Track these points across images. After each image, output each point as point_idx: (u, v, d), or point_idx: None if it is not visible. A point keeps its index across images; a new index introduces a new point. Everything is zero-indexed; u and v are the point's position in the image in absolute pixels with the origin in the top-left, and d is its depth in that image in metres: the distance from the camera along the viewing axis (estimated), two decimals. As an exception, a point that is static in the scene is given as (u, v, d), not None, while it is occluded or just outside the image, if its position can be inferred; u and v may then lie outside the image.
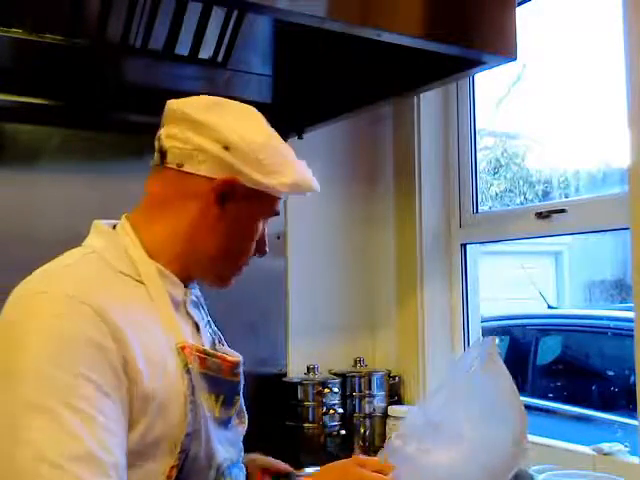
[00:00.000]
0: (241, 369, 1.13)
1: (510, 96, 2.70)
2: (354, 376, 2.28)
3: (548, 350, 3.44)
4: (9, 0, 1.73)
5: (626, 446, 1.75)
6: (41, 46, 1.79)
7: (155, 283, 1.02)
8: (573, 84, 2.36)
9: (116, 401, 0.87)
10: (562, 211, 1.95)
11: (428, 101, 2.37)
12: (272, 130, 1.12)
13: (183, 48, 1.95)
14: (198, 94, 2.07)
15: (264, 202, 1.07)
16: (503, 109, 2.78)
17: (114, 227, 1.11)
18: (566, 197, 2.62)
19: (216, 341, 1.20)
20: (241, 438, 1.16)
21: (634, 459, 1.71)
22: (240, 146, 1.02)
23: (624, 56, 1.68)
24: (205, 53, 1.99)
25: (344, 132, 2.40)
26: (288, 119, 2.21)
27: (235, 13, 1.94)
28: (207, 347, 1.11)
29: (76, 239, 2.00)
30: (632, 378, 1.68)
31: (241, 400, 1.15)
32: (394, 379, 2.34)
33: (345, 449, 2.17)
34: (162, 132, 1.07)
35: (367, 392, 2.26)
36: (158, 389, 0.93)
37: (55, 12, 1.77)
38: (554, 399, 3.11)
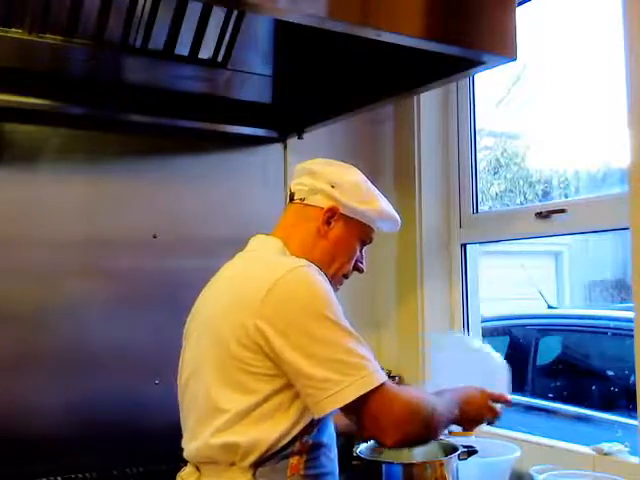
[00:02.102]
0: None
1: (510, 96, 2.70)
2: (354, 376, 2.27)
3: (548, 350, 3.44)
4: (9, 0, 1.73)
5: (626, 446, 1.75)
6: (41, 46, 1.80)
7: None
8: (573, 84, 2.36)
9: None
10: (562, 211, 1.95)
11: (428, 101, 2.37)
12: (362, 174, 1.52)
13: (183, 48, 1.95)
14: (198, 94, 2.09)
15: (359, 228, 1.48)
16: (503, 109, 2.78)
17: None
18: (566, 197, 2.62)
19: None
20: None
21: (634, 459, 1.71)
22: (342, 184, 1.45)
23: (624, 56, 1.68)
24: (205, 53, 1.99)
25: (344, 132, 2.40)
26: (288, 119, 2.21)
27: (235, 13, 1.94)
28: None
29: (76, 239, 2.01)
30: (632, 378, 1.68)
31: None
32: (394, 379, 2.34)
33: (345, 449, 2.17)
34: (291, 184, 1.51)
35: (367, 392, 2.25)
36: None
37: (55, 12, 1.77)
38: (554, 399, 3.11)
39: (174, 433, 2.02)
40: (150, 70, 1.97)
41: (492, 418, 1.47)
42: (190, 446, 1.34)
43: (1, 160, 1.90)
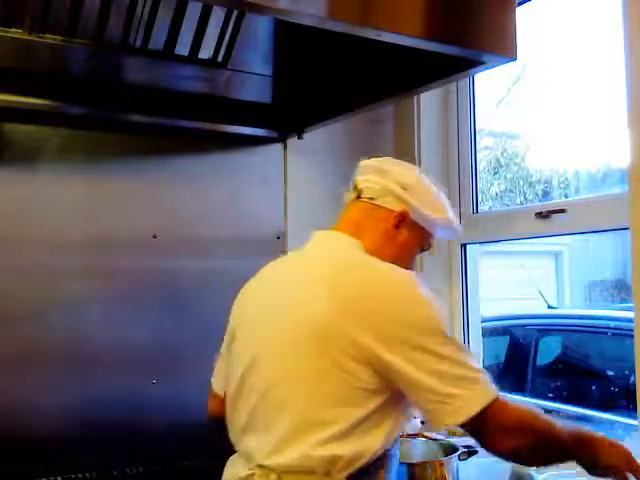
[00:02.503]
0: None
1: (510, 96, 2.70)
2: (354, 376, 2.27)
3: (548, 350, 3.44)
4: (9, 0, 1.73)
5: (626, 446, 1.75)
6: (41, 46, 1.80)
7: None
8: (573, 84, 2.36)
9: None
10: (562, 211, 1.95)
11: (428, 101, 2.37)
12: (433, 182, 1.47)
13: (183, 48, 1.95)
14: (198, 94, 2.09)
15: (422, 234, 1.44)
16: (503, 109, 2.78)
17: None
18: (566, 197, 2.63)
19: None
20: None
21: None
22: (413, 187, 1.40)
23: (624, 56, 1.68)
24: (205, 53, 1.99)
25: (344, 132, 2.40)
26: (288, 119, 2.21)
27: (235, 13, 1.94)
28: None
29: (76, 239, 2.01)
30: (632, 378, 1.68)
31: None
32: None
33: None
34: (357, 179, 1.45)
35: (367, 392, 2.25)
36: None
37: (55, 12, 1.77)
38: (554, 399, 3.11)
39: (174, 433, 2.03)
40: (150, 70, 1.97)
41: (619, 478, 1.32)
42: (283, 455, 1.24)
43: (1, 160, 1.90)
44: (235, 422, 1.37)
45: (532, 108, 2.53)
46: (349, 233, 1.40)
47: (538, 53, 2.32)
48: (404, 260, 1.41)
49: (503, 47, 1.55)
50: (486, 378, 1.24)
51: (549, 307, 3.89)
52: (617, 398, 2.68)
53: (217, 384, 1.51)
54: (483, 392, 1.22)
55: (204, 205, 2.17)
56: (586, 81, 2.30)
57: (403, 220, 1.39)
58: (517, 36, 1.55)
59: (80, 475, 1.88)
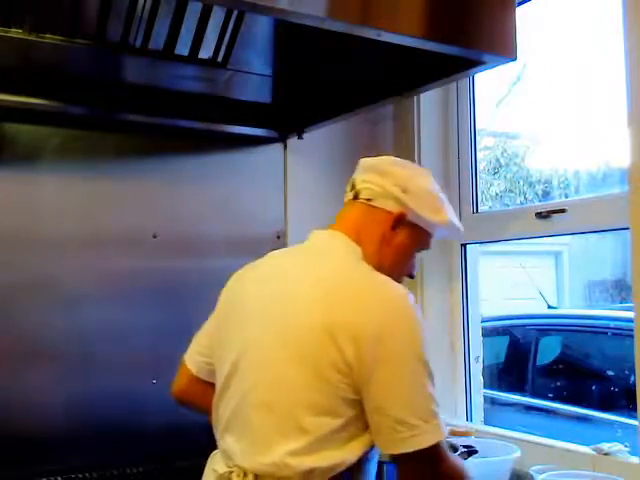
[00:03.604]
0: None
1: (510, 96, 2.70)
2: (354, 376, 2.27)
3: (548, 350, 3.44)
4: (9, 0, 1.73)
5: (626, 446, 1.75)
6: (41, 46, 1.80)
7: None
8: (573, 84, 2.36)
9: None
10: (562, 211, 1.95)
11: (428, 101, 2.37)
12: (432, 179, 1.44)
13: (183, 48, 1.95)
14: (198, 94, 2.09)
15: (420, 235, 1.42)
16: (503, 109, 2.78)
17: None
18: (566, 197, 2.63)
19: None
20: None
21: (634, 459, 1.71)
22: (413, 190, 1.37)
23: (624, 56, 1.68)
24: (205, 53, 1.99)
25: (344, 132, 2.40)
26: (288, 119, 2.22)
27: (235, 13, 1.94)
28: None
29: (76, 239, 2.01)
30: (632, 378, 1.68)
31: None
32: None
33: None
34: (356, 178, 1.43)
35: (367, 392, 2.25)
36: None
37: (55, 12, 1.77)
38: (554, 399, 3.11)
39: (174, 433, 2.03)
40: (150, 70, 1.97)
41: None
42: (259, 458, 1.23)
43: (1, 160, 1.90)
44: (219, 418, 1.35)
45: (532, 108, 2.53)
46: (350, 236, 1.37)
47: (538, 53, 2.32)
48: (402, 261, 1.41)
49: (503, 47, 1.55)
50: (440, 416, 1.21)
51: (549, 307, 3.89)
52: (617, 398, 2.69)
53: (190, 361, 1.52)
54: (436, 429, 1.19)
55: (204, 205, 2.17)
56: (586, 81, 2.30)
57: (400, 222, 1.37)
58: (517, 36, 1.55)
59: (80, 475, 1.88)
